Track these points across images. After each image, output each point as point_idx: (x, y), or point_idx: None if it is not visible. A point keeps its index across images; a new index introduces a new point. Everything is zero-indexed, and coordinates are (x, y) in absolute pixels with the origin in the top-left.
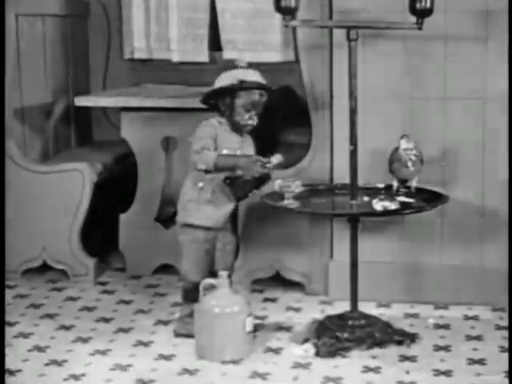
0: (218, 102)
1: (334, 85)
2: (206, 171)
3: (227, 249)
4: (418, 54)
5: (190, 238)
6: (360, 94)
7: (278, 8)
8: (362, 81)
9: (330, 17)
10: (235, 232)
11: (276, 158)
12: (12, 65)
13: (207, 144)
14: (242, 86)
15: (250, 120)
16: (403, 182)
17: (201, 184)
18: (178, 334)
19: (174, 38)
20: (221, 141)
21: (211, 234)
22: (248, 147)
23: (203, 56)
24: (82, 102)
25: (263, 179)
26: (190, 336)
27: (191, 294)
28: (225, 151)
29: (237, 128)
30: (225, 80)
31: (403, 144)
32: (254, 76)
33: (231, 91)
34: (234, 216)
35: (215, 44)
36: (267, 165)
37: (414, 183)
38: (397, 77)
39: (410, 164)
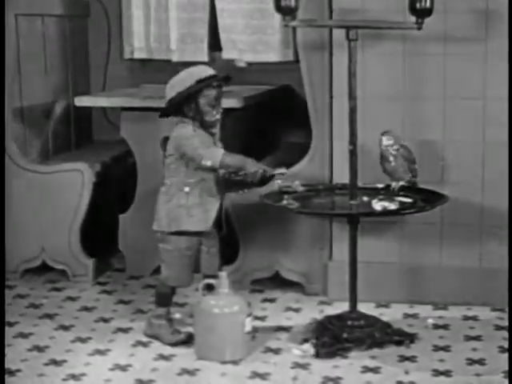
0: (183, 108)
1: (334, 85)
2: (209, 169)
3: (212, 252)
4: (417, 54)
5: (172, 246)
6: (359, 93)
7: (278, 8)
8: (361, 81)
9: (330, 17)
10: (219, 233)
11: (279, 171)
12: (12, 65)
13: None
14: (205, 84)
15: (218, 115)
16: (410, 182)
17: (187, 189)
18: (146, 335)
19: (173, 38)
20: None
21: (195, 240)
22: (218, 146)
23: (203, 56)
24: (81, 102)
25: (259, 184)
26: (155, 338)
27: (165, 299)
28: None
29: (207, 127)
30: (180, 86)
31: (384, 141)
32: (207, 71)
33: (193, 94)
34: (219, 216)
35: (215, 44)
36: (270, 174)
37: (414, 182)
38: (396, 77)
39: (391, 159)
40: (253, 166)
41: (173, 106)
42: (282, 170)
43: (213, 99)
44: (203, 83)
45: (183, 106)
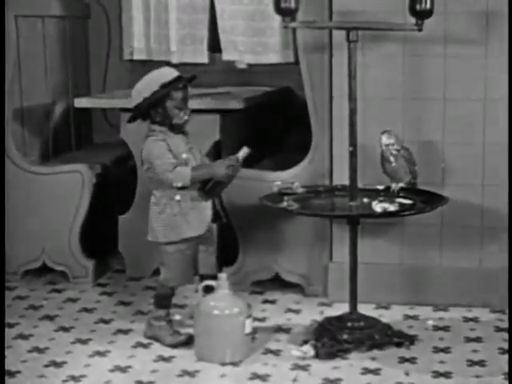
0: (150, 113)
1: (334, 86)
2: (182, 187)
3: (210, 250)
4: (417, 55)
5: (172, 249)
6: (360, 95)
7: (278, 9)
8: (361, 82)
9: (330, 18)
10: (221, 223)
11: (243, 152)
12: (12, 66)
13: (170, 159)
14: (171, 87)
15: (186, 116)
16: (410, 184)
17: (178, 197)
18: (147, 337)
19: (173, 40)
20: (174, 148)
21: (195, 241)
22: (192, 144)
23: (203, 57)
24: (81, 103)
25: (234, 175)
26: (155, 339)
27: (164, 301)
28: (184, 155)
29: (177, 129)
30: (146, 91)
31: (384, 139)
32: (171, 73)
33: (160, 99)
34: (214, 210)
35: (215, 45)
36: (238, 161)
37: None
38: (397, 78)
39: (392, 159)
40: (220, 169)
41: (140, 111)
42: (245, 151)
43: (180, 101)
44: (169, 87)
45: (151, 111)
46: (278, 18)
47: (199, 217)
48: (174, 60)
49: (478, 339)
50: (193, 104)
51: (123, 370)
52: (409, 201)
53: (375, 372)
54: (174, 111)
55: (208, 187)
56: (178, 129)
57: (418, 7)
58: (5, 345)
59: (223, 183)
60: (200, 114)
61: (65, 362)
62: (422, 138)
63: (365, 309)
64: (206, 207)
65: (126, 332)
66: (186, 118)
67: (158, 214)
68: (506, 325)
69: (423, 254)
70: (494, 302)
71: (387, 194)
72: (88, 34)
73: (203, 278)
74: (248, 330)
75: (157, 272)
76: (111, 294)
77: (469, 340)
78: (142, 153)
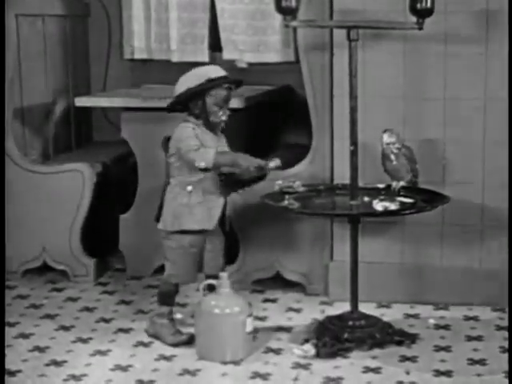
0: (189, 105)
1: (335, 85)
2: (205, 170)
3: (216, 249)
4: (418, 53)
5: (176, 244)
6: (360, 93)
7: (279, 8)
8: (362, 80)
9: (331, 17)
10: (223, 230)
11: (274, 162)
12: (12, 65)
13: (196, 142)
14: (215, 84)
15: (224, 116)
16: (411, 182)
17: (189, 188)
18: (149, 334)
19: (174, 39)
20: (201, 140)
21: (199, 238)
22: (223, 145)
23: (203, 56)
24: (82, 102)
25: (258, 179)
26: (157, 337)
27: (167, 298)
28: None
29: (212, 127)
30: (190, 82)
31: (385, 138)
32: (219, 71)
33: (201, 92)
34: (222, 214)
35: (215, 44)
36: (265, 168)
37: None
38: (397, 77)
39: (393, 157)
40: (245, 161)
41: (180, 101)
42: (277, 162)
43: (221, 100)
44: (213, 82)
45: (190, 102)
46: (278, 17)
47: (206, 212)
48: (175, 59)
49: (478, 338)
50: None
51: (124, 369)
52: (409, 199)
53: (376, 371)
54: (213, 108)
55: (223, 178)
56: (213, 127)
57: (418, 6)
58: (5, 344)
59: (241, 181)
60: None
61: (65, 361)
62: (423, 136)
63: (366, 308)
64: (216, 205)
65: (126, 331)
66: (223, 117)
67: (169, 201)
68: (506, 323)
69: (424, 252)
70: (495, 300)
71: (388, 193)
72: (88, 33)
73: (208, 277)
74: (249, 328)
75: (157, 271)
76: (112, 293)
77: (470, 339)
78: (171, 139)
